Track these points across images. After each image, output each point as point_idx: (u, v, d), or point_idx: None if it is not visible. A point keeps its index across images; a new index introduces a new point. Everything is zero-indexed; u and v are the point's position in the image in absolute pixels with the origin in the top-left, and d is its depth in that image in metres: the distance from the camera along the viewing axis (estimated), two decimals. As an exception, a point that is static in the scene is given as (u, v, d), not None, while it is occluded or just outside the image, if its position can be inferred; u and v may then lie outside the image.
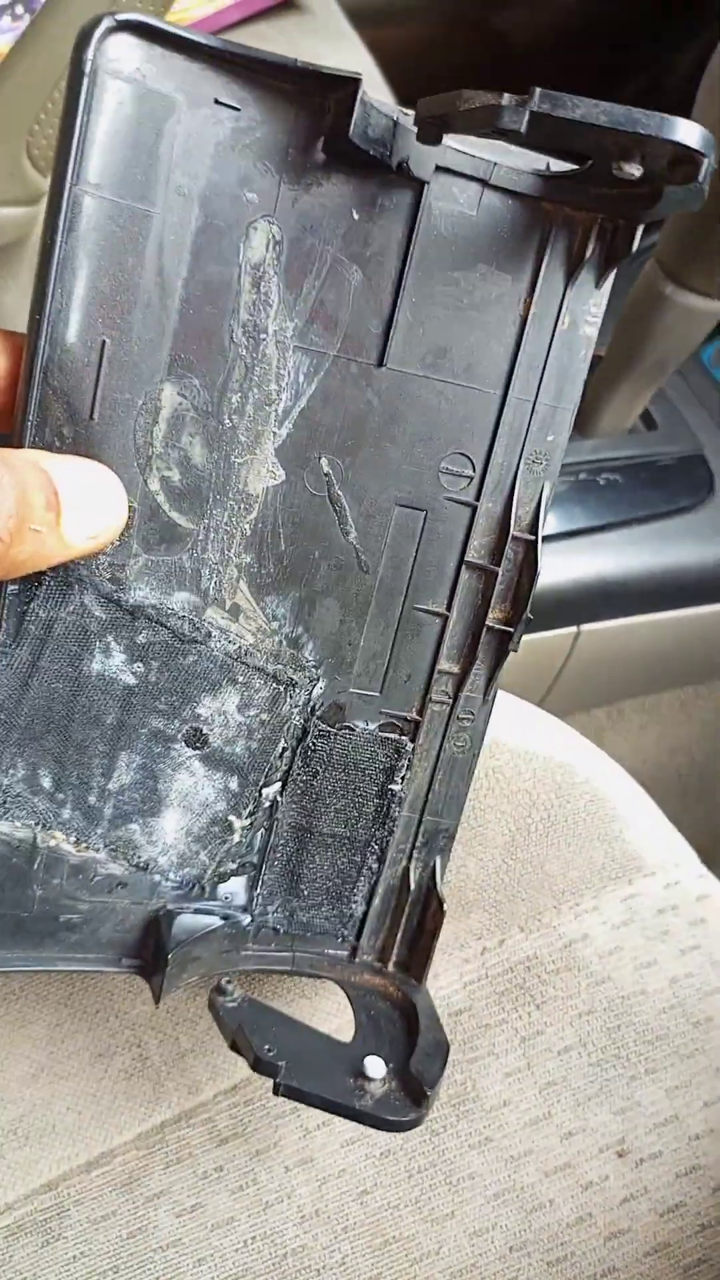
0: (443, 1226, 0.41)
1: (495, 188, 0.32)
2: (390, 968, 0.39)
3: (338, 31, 0.91)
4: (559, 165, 0.33)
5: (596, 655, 0.66)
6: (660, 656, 0.69)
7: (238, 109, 0.30)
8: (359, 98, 0.29)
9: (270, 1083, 0.34)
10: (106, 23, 0.28)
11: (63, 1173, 0.43)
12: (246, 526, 0.34)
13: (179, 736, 0.35)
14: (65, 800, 0.35)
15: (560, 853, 0.48)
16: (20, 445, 0.30)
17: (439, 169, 0.32)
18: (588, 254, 0.33)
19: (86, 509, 0.29)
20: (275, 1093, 0.34)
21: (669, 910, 0.47)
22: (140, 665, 0.34)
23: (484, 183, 0.32)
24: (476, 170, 0.32)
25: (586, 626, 0.63)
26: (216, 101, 0.30)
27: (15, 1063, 0.44)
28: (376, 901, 0.38)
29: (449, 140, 0.31)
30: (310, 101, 0.30)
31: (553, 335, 0.34)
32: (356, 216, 0.32)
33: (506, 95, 0.27)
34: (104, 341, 0.30)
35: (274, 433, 0.33)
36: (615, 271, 0.33)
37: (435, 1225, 0.41)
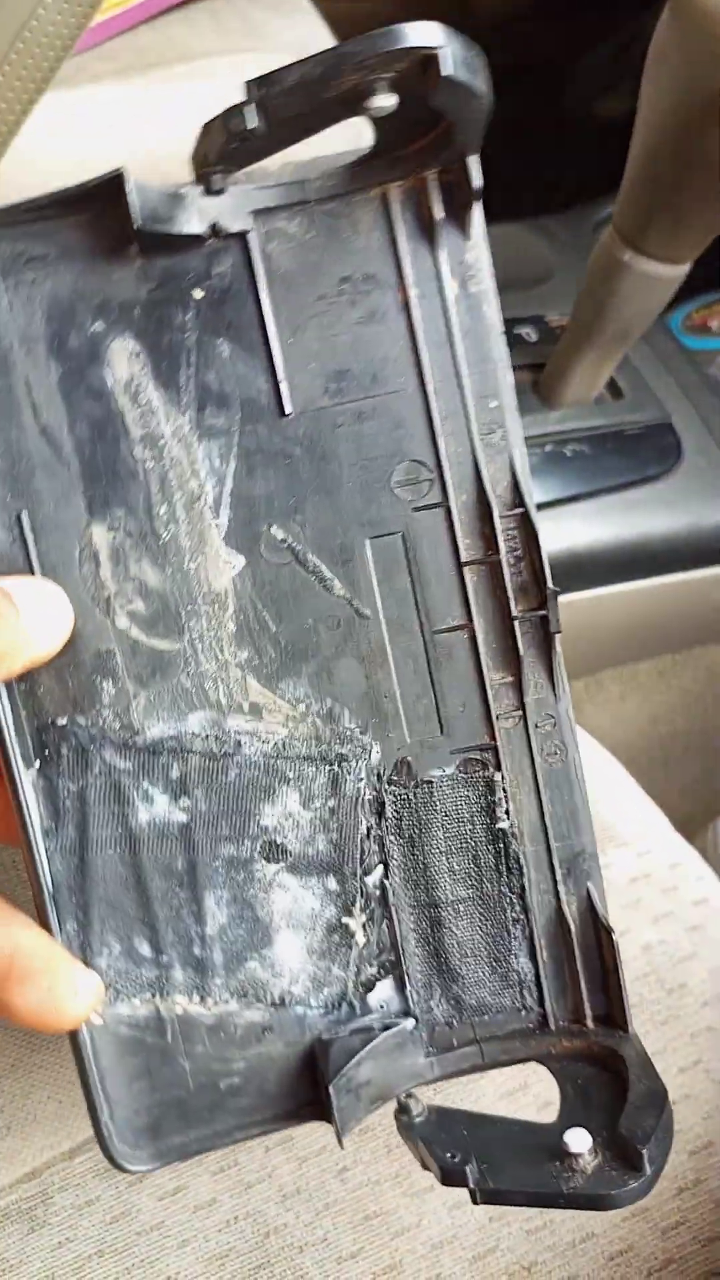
0: (423, 1200, 0.41)
1: (319, 201, 0.31)
2: (590, 1025, 0.34)
3: (294, 6, 0.90)
4: None
5: (571, 627, 0.66)
6: (635, 626, 0.69)
7: (46, 257, 0.30)
8: (126, 191, 0.29)
9: None
10: None
11: (45, 1161, 0.44)
12: (229, 623, 0.33)
13: (255, 856, 0.33)
14: (171, 961, 0.33)
15: (532, 826, 0.48)
16: None
17: (256, 213, 0.31)
18: (435, 214, 0.31)
19: (36, 605, 0.30)
20: (474, 1202, 0.31)
21: (641, 879, 0.48)
22: (186, 799, 0.33)
23: (305, 203, 0.31)
24: (292, 196, 0.31)
25: (559, 599, 0.63)
26: (28, 261, 0.30)
27: (-6, 1054, 0.45)
28: (544, 956, 0.34)
29: (253, 183, 0.31)
30: (101, 215, 0.30)
31: (443, 307, 0.32)
32: (199, 295, 0.31)
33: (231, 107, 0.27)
34: (19, 514, 0.31)
35: (215, 524, 0.32)
36: (479, 215, 0.31)
37: (415, 1199, 0.41)
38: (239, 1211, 0.42)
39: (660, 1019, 0.44)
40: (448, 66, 0.27)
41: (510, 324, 0.70)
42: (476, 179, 0.31)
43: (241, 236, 0.31)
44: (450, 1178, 0.30)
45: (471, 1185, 0.30)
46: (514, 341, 0.69)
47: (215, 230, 0.31)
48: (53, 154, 0.74)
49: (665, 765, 0.85)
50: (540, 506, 0.61)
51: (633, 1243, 0.40)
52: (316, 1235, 0.41)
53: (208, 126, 0.28)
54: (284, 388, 0.32)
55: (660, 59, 0.48)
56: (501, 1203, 0.30)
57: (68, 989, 0.30)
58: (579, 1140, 0.30)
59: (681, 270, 0.56)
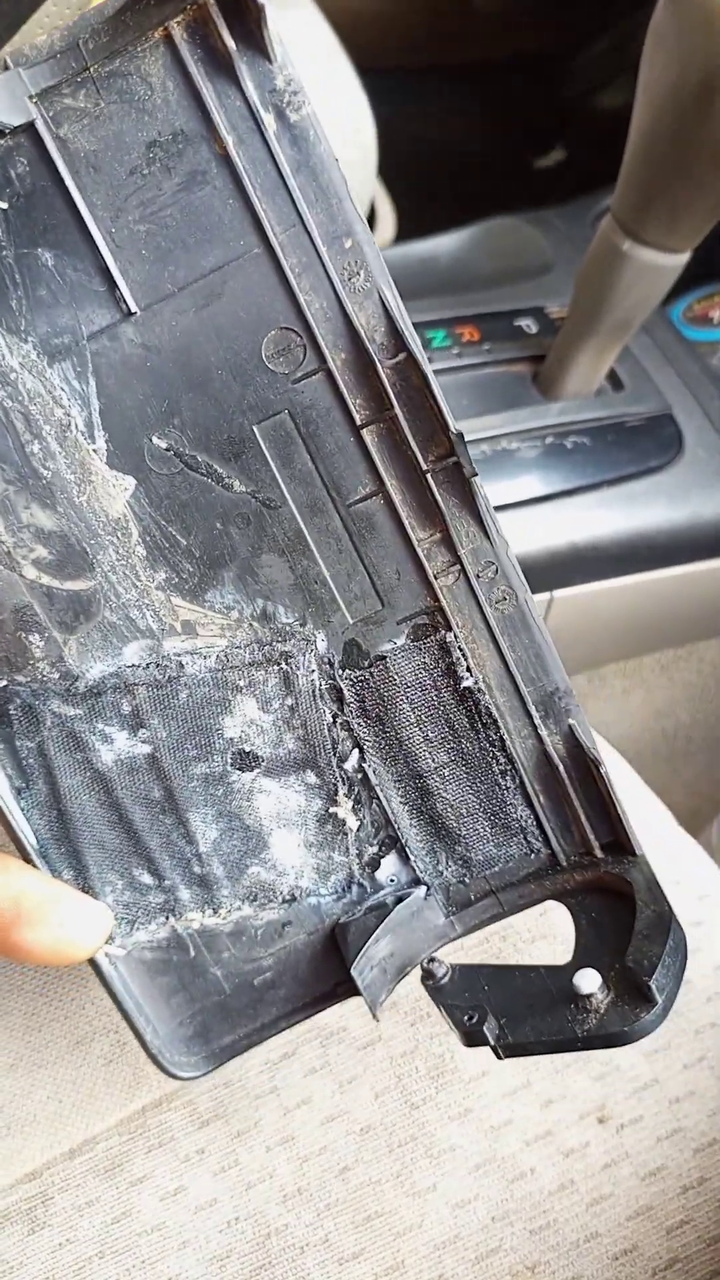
0: (425, 1200, 0.41)
1: (99, 63, 0.28)
2: (598, 854, 0.34)
3: (294, 2, 0.90)
4: None
5: (573, 621, 0.65)
6: (637, 619, 0.69)
7: None
8: None
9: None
10: None
11: (46, 1161, 0.43)
12: (138, 547, 0.31)
13: (228, 769, 0.33)
14: (174, 884, 0.34)
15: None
16: None
17: (35, 98, 0.28)
18: (226, 42, 0.28)
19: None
20: (498, 1057, 0.31)
21: (644, 874, 0.47)
22: (144, 731, 0.33)
23: (85, 69, 0.28)
24: (69, 67, 0.28)
25: (560, 593, 0.63)
26: None
27: (-8, 1055, 0.44)
28: (540, 799, 0.34)
29: (25, 62, 0.28)
30: None
31: (266, 146, 0.29)
32: (3, 206, 0.29)
33: None
34: None
35: (92, 450, 0.31)
36: (275, 31, 0.28)
37: (417, 1199, 0.41)
38: (240, 1212, 0.41)
39: (664, 1015, 0.44)
40: None
41: (511, 315, 0.70)
42: None
43: (29, 128, 0.28)
44: (472, 1038, 0.31)
45: (492, 1043, 0.30)
46: (514, 333, 0.68)
47: None
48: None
49: (670, 760, 0.84)
50: (541, 500, 0.61)
51: (637, 1242, 0.40)
52: (318, 1236, 0.41)
53: None
54: (121, 283, 0.29)
55: (658, 44, 0.48)
56: (523, 1054, 0.30)
57: (79, 922, 0.31)
58: (589, 980, 0.30)
59: (680, 259, 0.56)
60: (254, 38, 0.28)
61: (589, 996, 0.30)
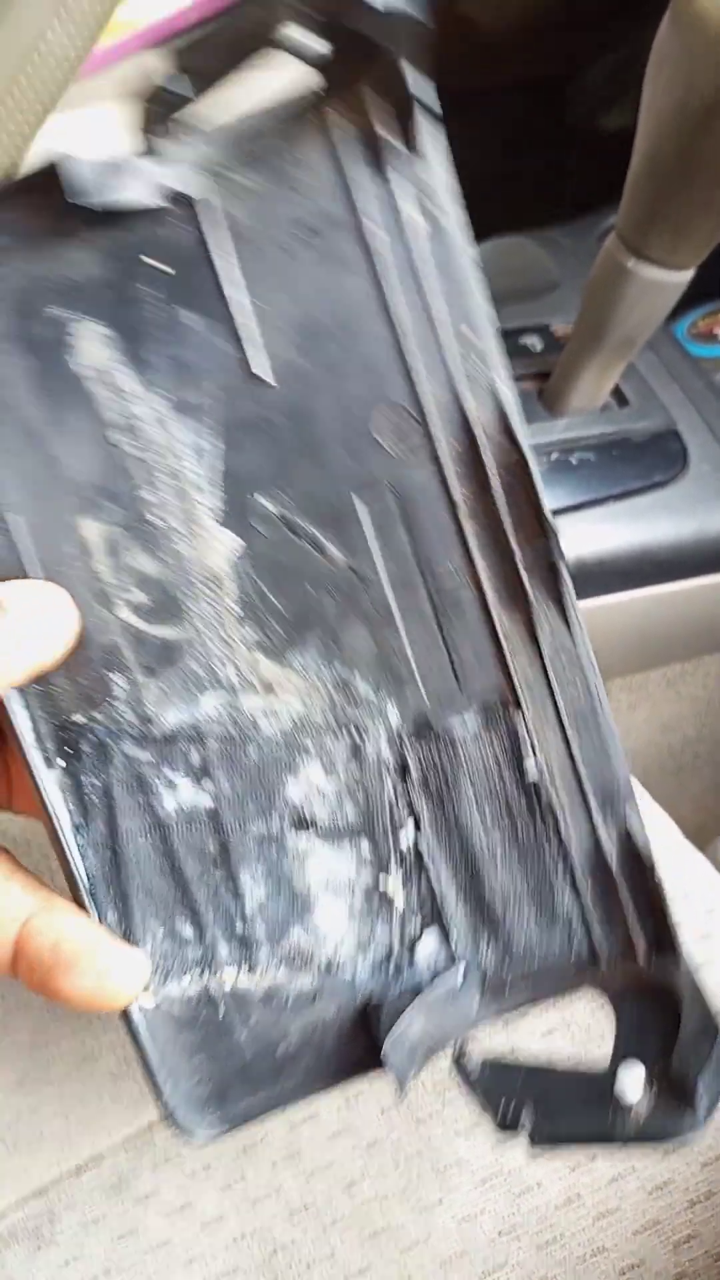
0: (431, 1214, 0.41)
1: (259, 140, 0.30)
2: (640, 954, 0.34)
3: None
4: None
5: (578, 636, 0.65)
6: (643, 634, 0.69)
7: (6, 245, 0.30)
8: (59, 169, 0.28)
9: None
10: None
11: (52, 1178, 0.43)
12: (232, 603, 0.32)
13: (285, 830, 0.33)
14: (214, 939, 0.33)
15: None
16: None
17: (197, 169, 0.30)
18: (378, 130, 0.30)
19: (35, 612, 0.30)
20: (532, 1144, 0.31)
21: (651, 888, 0.47)
22: (209, 783, 0.33)
23: (245, 147, 0.30)
24: (231, 143, 0.30)
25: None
26: None
27: (0, 1071, 0.44)
28: (588, 893, 0.34)
29: (193, 138, 0.29)
30: (40, 202, 0.29)
31: (401, 235, 0.30)
32: (155, 265, 0.30)
33: (159, 74, 0.27)
34: (4, 516, 0.31)
35: (203, 504, 0.32)
36: (427, 127, 0.30)
37: (424, 1214, 0.41)
38: (246, 1228, 0.41)
39: (672, 1030, 0.44)
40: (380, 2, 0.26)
41: (516, 334, 0.70)
42: (412, 84, 0.29)
43: (186, 197, 0.30)
44: (505, 1123, 0.31)
45: (530, 1130, 0.30)
46: (520, 351, 0.68)
47: (159, 194, 0.29)
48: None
49: (676, 774, 0.84)
50: (546, 515, 0.61)
51: (644, 1257, 0.40)
52: (324, 1251, 0.40)
53: (137, 97, 0.27)
54: (253, 351, 0.31)
55: (661, 65, 0.48)
56: (558, 1146, 0.30)
57: (118, 972, 0.30)
58: (631, 1082, 0.30)
59: (685, 276, 0.56)
60: (405, 129, 0.30)
61: (630, 1098, 0.30)
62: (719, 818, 0.86)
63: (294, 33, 0.27)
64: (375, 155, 0.30)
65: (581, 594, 0.65)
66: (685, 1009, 0.31)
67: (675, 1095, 0.30)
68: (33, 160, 0.29)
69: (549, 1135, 0.30)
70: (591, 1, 1.13)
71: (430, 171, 0.30)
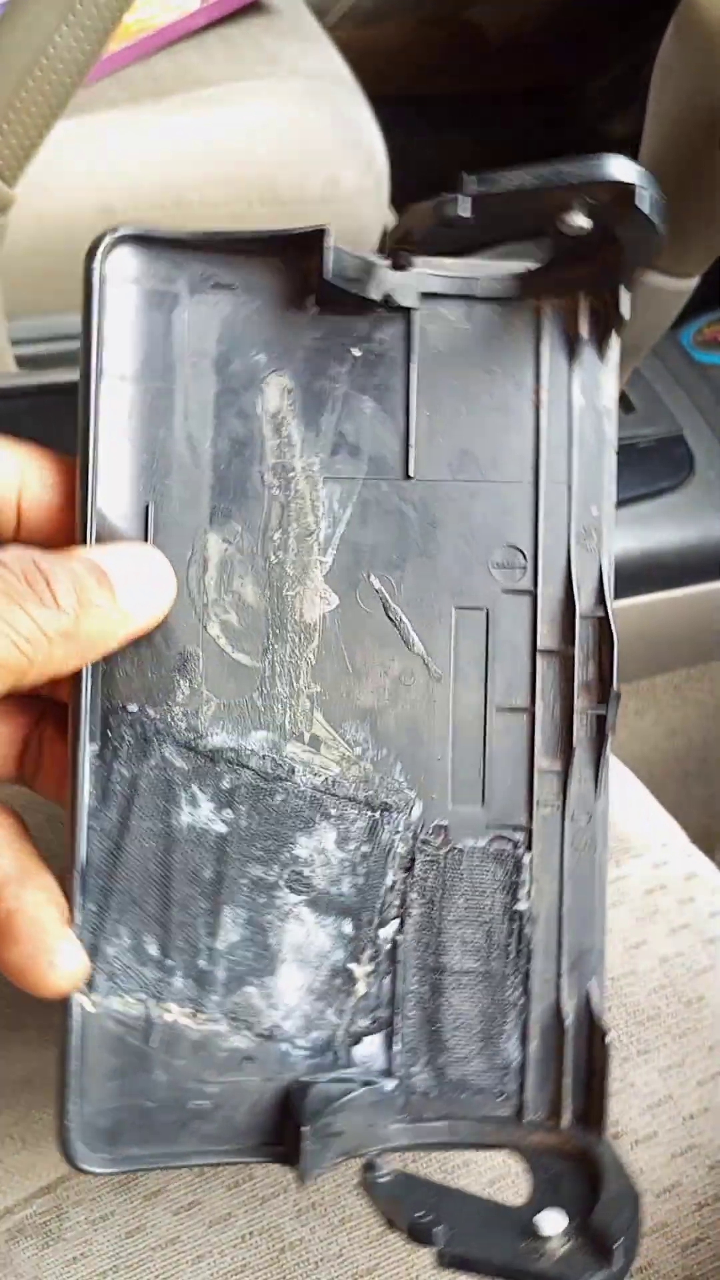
0: (439, 1214, 0.41)
1: (480, 299, 0.34)
2: (564, 1123, 0.34)
3: (307, 33, 0.92)
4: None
5: (585, 641, 0.66)
6: (650, 640, 0.69)
7: (233, 286, 0.33)
8: (326, 244, 0.32)
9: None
10: (109, 238, 0.32)
11: (60, 1175, 0.43)
12: (311, 655, 0.34)
13: (281, 883, 0.34)
14: (175, 967, 0.34)
15: (546, 837, 0.48)
16: None
17: (424, 295, 0.34)
18: (582, 334, 0.34)
19: (136, 578, 0.32)
20: (440, 1264, 0.30)
21: (658, 890, 0.47)
22: (229, 812, 0.34)
23: (469, 298, 0.34)
24: (459, 289, 0.34)
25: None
26: (214, 285, 0.33)
27: (9, 1067, 0.45)
28: (534, 1045, 0.35)
29: (430, 269, 0.34)
30: (292, 261, 0.33)
31: (569, 416, 0.34)
32: (358, 353, 0.34)
33: (445, 194, 0.30)
34: (148, 506, 0.33)
35: (320, 561, 0.34)
36: (616, 342, 0.35)
37: (431, 1213, 0.41)
38: (254, 1226, 0.41)
39: (678, 1032, 0.44)
40: (642, 202, 0.30)
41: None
42: (625, 310, 0.34)
43: (407, 312, 0.34)
44: (416, 1234, 0.30)
45: (440, 1246, 0.30)
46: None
47: (387, 301, 0.33)
48: (67, 179, 0.76)
49: (683, 780, 0.84)
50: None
51: (652, 1259, 0.40)
52: (332, 1251, 0.41)
53: (415, 208, 0.32)
54: (412, 453, 0.34)
55: (666, 73, 0.49)
56: (467, 1269, 0.30)
57: (46, 959, 0.31)
58: (552, 1223, 0.31)
59: (689, 284, 0.57)
60: (601, 339, 0.34)
61: (547, 1239, 0.31)
62: (724, 823, 0.86)
63: (574, 220, 0.31)
64: (570, 347, 0.35)
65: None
66: (606, 1177, 0.32)
67: (593, 1248, 0.30)
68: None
69: (459, 1256, 0.30)
70: (597, 11, 1.14)
71: (607, 375, 0.35)
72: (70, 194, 0.75)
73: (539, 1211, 0.31)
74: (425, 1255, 0.40)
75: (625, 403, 0.67)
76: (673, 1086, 0.43)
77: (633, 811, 0.50)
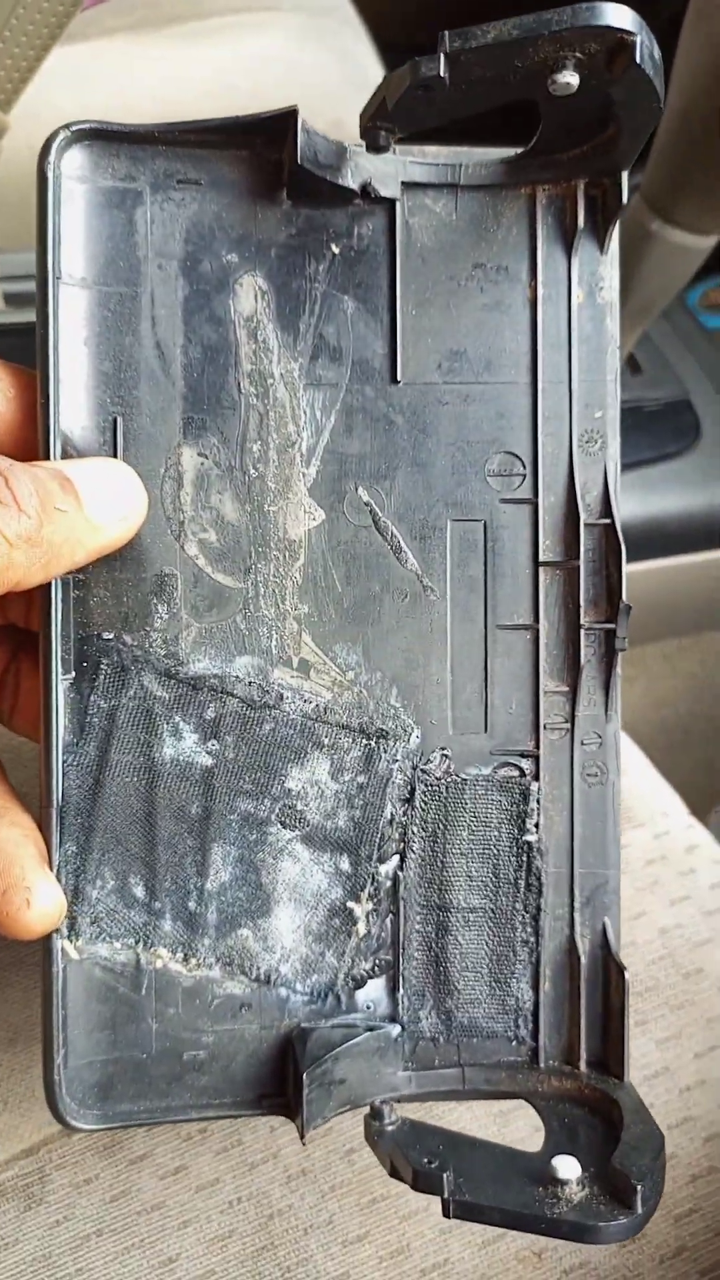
0: (431, 1183, 0.40)
1: (468, 187, 0.32)
2: (583, 1068, 0.33)
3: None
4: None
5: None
6: (645, 607, 0.68)
7: (199, 181, 0.31)
8: (299, 126, 0.30)
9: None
10: (63, 134, 0.30)
11: (44, 1138, 0.42)
12: (297, 575, 0.32)
13: (273, 817, 0.32)
14: (163, 909, 0.32)
15: (547, 805, 0.47)
16: None
17: (406, 185, 0.32)
18: (580, 222, 0.32)
19: (104, 490, 0.29)
20: (445, 1214, 0.28)
21: (658, 861, 0.47)
22: (215, 743, 0.32)
23: (455, 186, 0.32)
24: (444, 177, 0.32)
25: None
26: (179, 181, 0.31)
27: (-9, 1027, 0.43)
28: (547, 985, 0.33)
29: (413, 157, 0.32)
30: (261, 151, 0.31)
31: (569, 311, 0.32)
32: (337, 250, 0.32)
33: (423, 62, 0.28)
34: (115, 418, 0.31)
35: (303, 473, 0.32)
36: (616, 231, 0.32)
37: (424, 1182, 0.40)
38: (243, 1193, 0.41)
39: (676, 1003, 0.43)
40: (639, 55, 0.27)
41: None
42: (625, 195, 0.31)
43: (390, 203, 0.32)
44: (422, 1182, 0.29)
45: (446, 1194, 0.28)
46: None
47: (366, 190, 0.31)
48: (62, 107, 0.72)
49: (667, 750, 0.84)
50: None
51: (645, 1230, 0.39)
52: (322, 1218, 0.40)
53: (390, 76, 0.29)
54: (399, 355, 0.32)
55: (700, 19, 0.47)
56: (477, 1219, 0.29)
57: (21, 897, 0.29)
58: (568, 1168, 0.29)
59: (710, 242, 0.55)
60: (600, 228, 0.32)
61: (563, 1184, 0.29)
62: (707, 796, 0.86)
63: (562, 77, 0.28)
64: (568, 240, 0.32)
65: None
66: (627, 1119, 0.30)
67: (612, 1194, 0.28)
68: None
69: (469, 1205, 0.28)
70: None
71: (608, 268, 0.32)
72: (63, 120, 0.72)
73: (556, 1155, 0.29)
74: (416, 1222, 0.40)
75: (633, 364, 0.65)
76: (670, 1059, 0.42)
77: (633, 780, 0.49)
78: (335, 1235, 0.40)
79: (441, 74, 0.28)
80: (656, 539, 0.62)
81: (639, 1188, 0.28)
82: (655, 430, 0.62)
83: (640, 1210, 0.28)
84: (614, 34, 0.27)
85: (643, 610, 0.69)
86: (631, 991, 0.44)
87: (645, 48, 0.27)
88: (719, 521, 0.62)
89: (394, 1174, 0.30)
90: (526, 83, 0.28)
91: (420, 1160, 0.29)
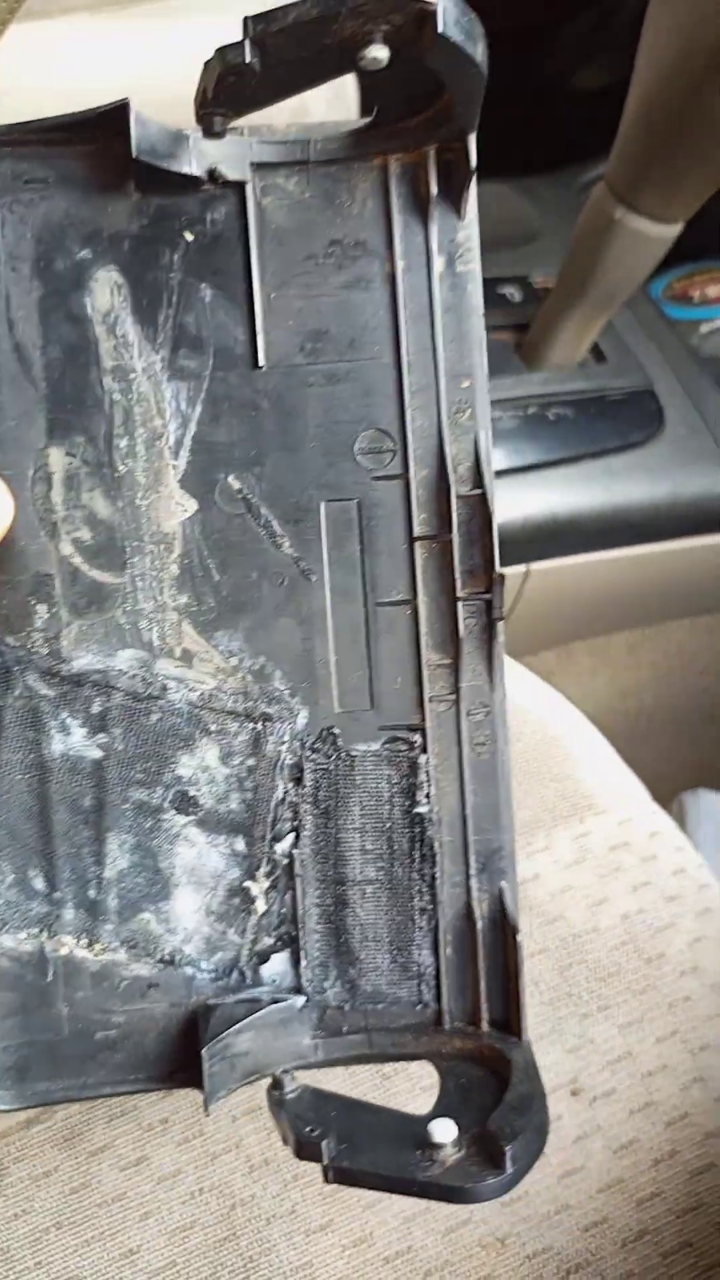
0: (395, 1170, 0.40)
1: (319, 163, 0.32)
2: (484, 1028, 0.33)
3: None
4: None
5: (546, 595, 0.65)
6: (610, 597, 0.68)
7: (46, 180, 0.31)
8: (131, 119, 0.29)
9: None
10: None
11: (1, 1130, 0.42)
12: (174, 567, 0.32)
13: (166, 804, 0.33)
14: (64, 899, 0.33)
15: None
16: None
17: (256, 166, 0.31)
18: (434, 189, 0.31)
19: None
20: (325, 1179, 0.29)
21: (621, 847, 0.47)
22: (104, 736, 0.32)
23: (305, 163, 0.32)
24: (294, 154, 0.31)
25: (536, 565, 0.62)
26: (26, 182, 0.31)
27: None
28: (448, 950, 0.34)
29: (261, 136, 0.31)
30: (104, 144, 0.30)
31: (429, 280, 0.32)
32: (190, 237, 0.31)
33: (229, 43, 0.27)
34: None
35: (172, 465, 0.32)
36: (473, 196, 0.32)
37: (387, 1169, 0.40)
38: (205, 1183, 0.40)
39: (638, 988, 0.44)
40: (443, 24, 0.26)
41: (494, 283, 0.69)
42: (473, 159, 0.31)
43: (239, 186, 0.31)
44: (303, 1150, 0.29)
45: (325, 1161, 0.29)
46: (498, 301, 0.67)
47: (213, 175, 0.31)
48: (21, 88, 0.71)
49: (629, 740, 0.84)
50: (521, 470, 0.60)
51: (608, 1214, 0.40)
52: (285, 1207, 0.40)
53: (207, 63, 0.28)
54: (260, 340, 0.32)
55: (665, 6, 0.47)
56: (352, 1183, 0.29)
57: None
58: (444, 1131, 0.29)
59: (673, 231, 0.55)
60: (455, 194, 0.31)
61: (439, 1147, 0.29)
62: (670, 785, 0.86)
63: (371, 51, 0.27)
64: (423, 209, 0.32)
65: (551, 553, 0.65)
66: (514, 1079, 0.31)
67: (485, 1155, 0.29)
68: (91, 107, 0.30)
69: (346, 1170, 0.29)
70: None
71: (468, 234, 0.32)
72: (22, 107, 0.71)
73: (437, 1116, 0.30)
74: (379, 1211, 0.40)
75: (597, 352, 0.65)
76: (632, 1043, 0.42)
77: (597, 766, 0.49)
78: (298, 1225, 0.39)
79: (248, 60, 0.27)
80: (621, 528, 0.62)
81: (508, 1149, 0.28)
82: (619, 419, 0.62)
83: (509, 1170, 0.28)
84: (413, 4, 0.26)
85: (607, 600, 0.69)
86: (595, 977, 0.44)
87: (450, 14, 0.27)
88: (682, 511, 0.62)
89: (284, 1141, 0.31)
90: (341, 59, 0.28)
91: (302, 1129, 0.30)
